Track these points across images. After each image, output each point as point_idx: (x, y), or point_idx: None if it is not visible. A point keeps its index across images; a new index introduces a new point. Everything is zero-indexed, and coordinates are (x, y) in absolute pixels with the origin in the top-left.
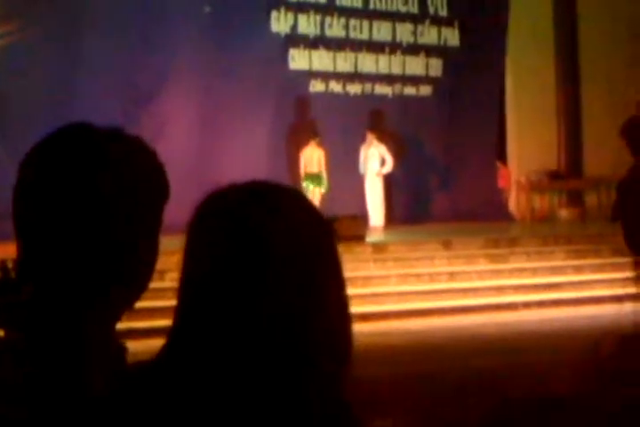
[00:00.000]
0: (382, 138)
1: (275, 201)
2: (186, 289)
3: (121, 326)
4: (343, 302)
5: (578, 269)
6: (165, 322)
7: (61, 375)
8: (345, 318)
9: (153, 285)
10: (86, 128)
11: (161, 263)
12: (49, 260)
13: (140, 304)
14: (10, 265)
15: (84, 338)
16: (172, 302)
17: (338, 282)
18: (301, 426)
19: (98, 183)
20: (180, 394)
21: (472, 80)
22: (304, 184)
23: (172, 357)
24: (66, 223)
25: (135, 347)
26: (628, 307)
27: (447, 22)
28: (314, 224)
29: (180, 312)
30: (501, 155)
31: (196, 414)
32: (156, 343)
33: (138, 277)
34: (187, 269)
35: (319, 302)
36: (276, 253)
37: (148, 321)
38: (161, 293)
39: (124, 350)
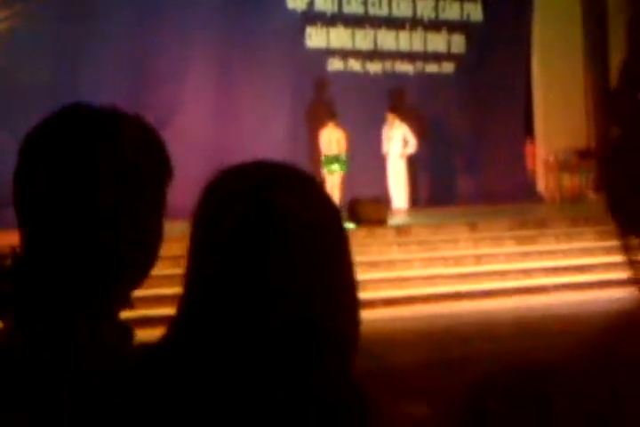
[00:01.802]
0: (404, 118)
1: (284, 181)
2: (192, 277)
3: (136, 313)
4: (351, 285)
5: (608, 251)
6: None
7: (60, 362)
8: (352, 302)
9: (168, 271)
10: (83, 109)
11: (177, 249)
12: (51, 244)
13: (155, 291)
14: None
15: (86, 323)
16: None
17: (345, 266)
18: (310, 413)
19: (98, 164)
20: (185, 380)
21: (497, 56)
22: (324, 166)
23: (179, 339)
24: (66, 207)
25: (151, 335)
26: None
27: None
28: (323, 207)
29: (185, 300)
30: (529, 132)
31: (199, 400)
32: None
33: (141, 260)
34: (193, 257)
35: (326, 284)
36: (283, 233)
37: (165, 308)
38: (177, 279)
39: (130, 332)
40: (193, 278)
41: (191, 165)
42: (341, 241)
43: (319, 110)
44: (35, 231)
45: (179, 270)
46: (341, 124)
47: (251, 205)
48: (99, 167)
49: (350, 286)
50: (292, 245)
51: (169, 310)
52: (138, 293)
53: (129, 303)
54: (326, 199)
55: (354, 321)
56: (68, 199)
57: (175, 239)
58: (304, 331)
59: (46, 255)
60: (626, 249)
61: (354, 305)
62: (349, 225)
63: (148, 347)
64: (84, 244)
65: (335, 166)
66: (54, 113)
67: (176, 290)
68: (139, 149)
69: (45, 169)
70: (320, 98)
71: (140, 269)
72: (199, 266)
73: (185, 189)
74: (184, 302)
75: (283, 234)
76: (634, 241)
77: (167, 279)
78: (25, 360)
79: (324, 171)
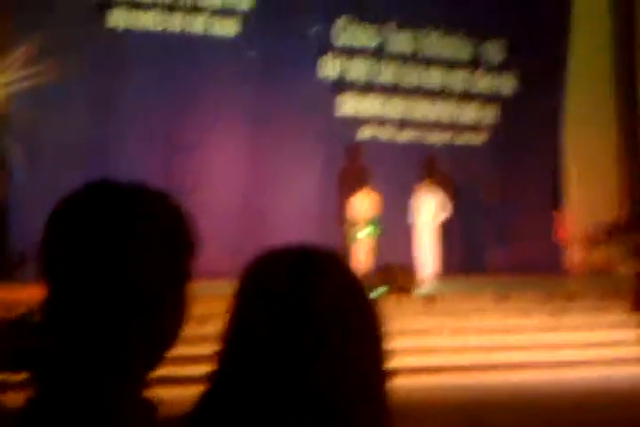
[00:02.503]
0: (436, 185)
1: (320, 267)
2: (230, 347)
3: (161, 372)
4: (381, 363)
5: (638, 325)
6: (208, 369)
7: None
8: (382, 378)
9: (195, 331)
10: (110, 185)
11: (204, 309)
12: (74, 311)
13: (181, 351)
14: (33, 308)
15: (110, 395)
16: (215, 349)
17: (377, 347)
18: None
19: (123, 239)
20: None
21: (528, 128)
22: (354, 232)
23: (209, 411)
24: (94, 278)
25: (175, 395)
26: None
27: (502, 69)
28: (355, 291)
29: (218, 376)
30: (560, 205)
31: None
32: (198, 391)
33: (166, 332)
34: (234, 326)
35: (358, 364)
36: (319, 315)
37: (190, 368)
38: (202, 339)
39: (153, 408)
40: (226, 357)
41: (220, 230)
42: (372, 320)
43: (351, 177)
44: (59, 295)
45: (203, 330)
46: (373, 189)
47: (290, 290)
48: (126, 244)
49: (380, 363)
50: (326, 328)
51: (192, 370)
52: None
53: (154, 369)
54: (359, 284)
55: (384, 397)
56: (97, 274)
57: (201, 299)
58: (338, 406)
59: (73, 318)
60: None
61: (383, 381)
62: (382, 288)
63: (174, 421)
64: (109, 315)
65: (370, 229)
66: (81, 188)
67: (200, 349)
68: (165, 226)
69: (73, 244)
70: (352, 164)
71: (164, 341)
72: (235, 345)
73: (213, 251)
74: (215, 379)
75: (317, 318)
76: None
77: (192, 339)
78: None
79: (356, 236)
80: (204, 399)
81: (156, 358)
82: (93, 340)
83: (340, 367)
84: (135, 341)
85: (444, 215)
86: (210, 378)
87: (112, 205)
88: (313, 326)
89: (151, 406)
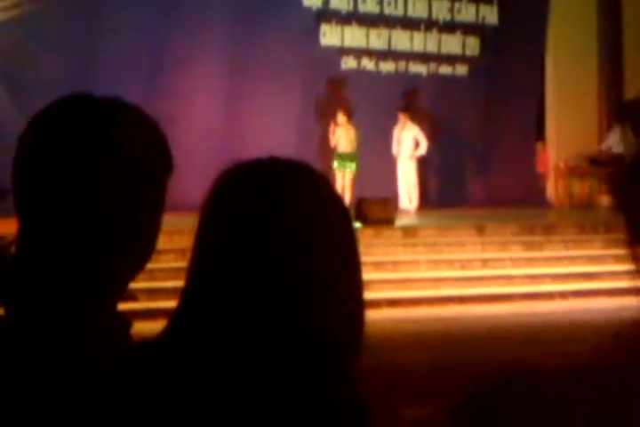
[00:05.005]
0: (416, 119)
1: (294, 177)
2: (194, 270)
3: (139, 305)
4: (357, 284)
5: (617, 259)
6: None
7: (59, 352)
8: (358, 303)
9: (174, 264)
10: (85, 99)
11: (182, 242)
12: (48, 235)
13: (162, 284)
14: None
15: (83, 314)
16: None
17: (352, 264)
18: (308, 417)
19: (98, 157)
20: (184, 377)
21: (511, 60)
22: (334, 164)
23: (176, 339)
24: (65, 198)
25: (152, 327)
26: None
27: None
28: (332, 204)
29: (186, 293)
30: (541, 137)
31: (198, 398)
32: None
33: (139, 253)
34: (197, 249)
35: (330, 281)
36: (290, 227)
37: (168, 301)
38: (182, 272)
39: (127, 324)
40: (193, 272)
41: (201, 161)
42: (349, 239)
43: (332, 108)
44: (32, 221)
45: (185, 263)
46: (353, 122)
47: (258, 199)
48: (98, 158)
49: (356, 285)
50: (298, 240)
51: (175, 303)
52: (145, 285)
53: (128, 295)
54: (336, 197)
55: (359, 322)
56: (65, 190)
57: (182, 232)
58: (305, 330)
59: (44, 245)
60: (634, 258)
61: (359, 306)
62: (356, 224)
63: (146, 343)
64: (82, 235)
65: (350, 164)
66: (54, 102)
67: (178, 283)
68: (139, 141)
69: (44, 159)
70: (334, 96)
71: (137, 261)
72: (201, 259)
73: (193, 182)
74: (184, 296)
75: (289, 228)
76: None
77: (174, 272)
78: (21, 352)
79: (335, 168)
80: (174, 319)
81: (128, 279)
82: (64, 264)
83: (311, 294)
84: (108, 262)
85: (418, 153)
86: (180, 297)
87: (86, 118)
88: (280, 246)
89: (124, 322)
